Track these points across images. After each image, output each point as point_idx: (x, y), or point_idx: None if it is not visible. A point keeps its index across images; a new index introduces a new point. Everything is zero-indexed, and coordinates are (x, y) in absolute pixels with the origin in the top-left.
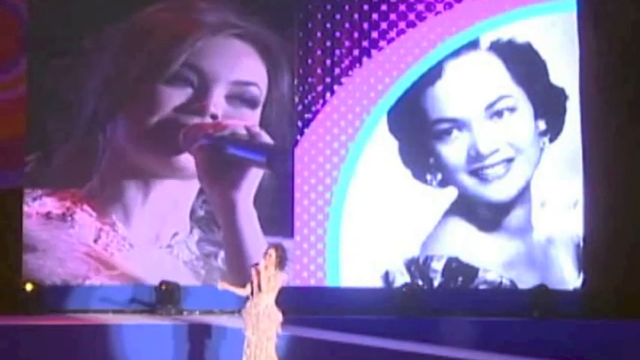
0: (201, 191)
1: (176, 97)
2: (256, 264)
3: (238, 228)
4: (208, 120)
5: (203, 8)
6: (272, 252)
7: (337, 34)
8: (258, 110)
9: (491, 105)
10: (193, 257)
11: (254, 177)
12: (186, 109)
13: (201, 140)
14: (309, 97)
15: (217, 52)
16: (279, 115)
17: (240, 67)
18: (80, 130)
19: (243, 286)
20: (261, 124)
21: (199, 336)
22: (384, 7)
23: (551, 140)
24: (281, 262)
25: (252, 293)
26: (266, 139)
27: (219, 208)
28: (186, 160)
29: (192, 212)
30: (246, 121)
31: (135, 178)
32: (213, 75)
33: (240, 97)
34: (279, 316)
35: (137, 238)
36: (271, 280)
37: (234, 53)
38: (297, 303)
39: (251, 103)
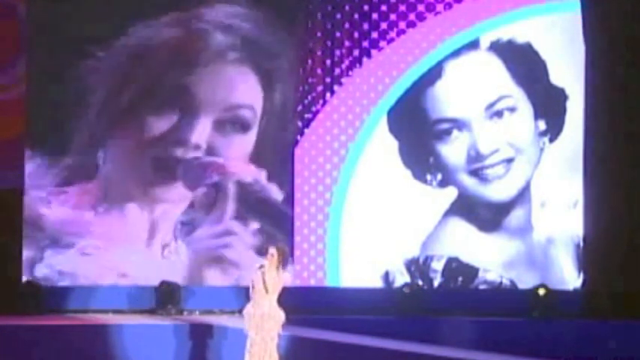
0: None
1: (161, 124)
2: (262, 265)
3: None
4: (191, 151)
5: (206, 20)
6: (274, 252)
7: (337, 34)
8: (251, 133)
9: (491, 105)
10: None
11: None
12: (169, 138)
13: (205, 180)
14: (309, 97)
15: (213, 77)
16: (274, 130)
17: (234, 90)
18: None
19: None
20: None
21: (199, 336)
22: (384, 8)
23: (551, 140)
24: (283, 262)
25: (255, 294)
26: (272, 193)
27: None
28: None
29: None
30: (234, 148)
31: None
32: (203, 101)
33: (231, 122)
34: (282, 316)
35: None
36: (274, 281)
37: (229, 76)
38: (297, 303)
39: (243, 127)
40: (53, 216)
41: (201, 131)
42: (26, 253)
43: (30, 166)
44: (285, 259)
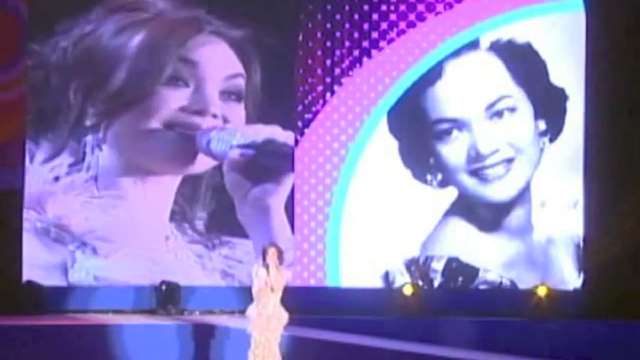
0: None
1: (175, 97)
2: (267, 265)
3: (273, 235)
4: (210, 119)
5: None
6: (274, 250)
7: (337, 34)
8: (243, 103)
9: (491, 105)
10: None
11: (288, 182)
12: (187, 110)
13: (232, 149)
14: (309, 97)
15: (204, 50)
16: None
17: (224, 61)
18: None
19: None
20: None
21: (199, 336)
22: (384, 8)
23: (552, 140)
24: (280, 260)
25: (260, 295)
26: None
27: (253, 217)
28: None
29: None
30: (236, 115)
31: (132, 176)
32: (205, 73)
33: (229, 92)
34: (286, 316)
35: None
36: (276, 280)
37: (215, 49)
38: (297, 303)
39: (238, 96)
40: (53, 216)
41: (214, 101)
42: (27, 253)
43: (30, 166)
44: (282, 256)
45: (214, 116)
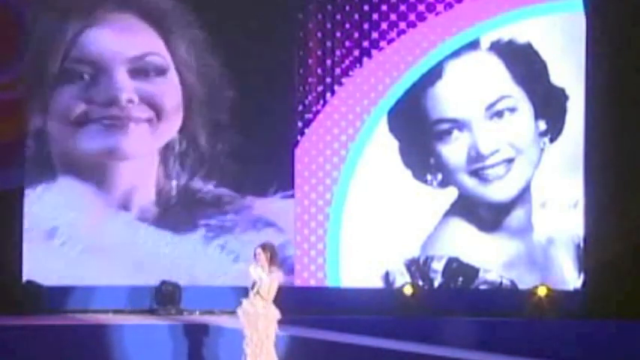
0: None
1: (79, 90)
2: (253, 265)
3: None
4: (126, 105)
5: None
6: (260, 251)
7: (338, 34)
8: (169, 75)
9: (491, 105)
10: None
11: None
12: (97, 101)
13: None
14: (310, 97)
15: (104, 33)
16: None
17: (134, 42)
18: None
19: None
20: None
21: (200, 336)
22: (384, 8)
23: (552, 140)
24: (272, 260)
25: (251, 294)
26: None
27: None
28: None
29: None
30: (159, 87)
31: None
32: (107, 60)
33: (144, 70)
34: (276, 315)
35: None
36: (266, 279)
37: (123, 29)
38: (297, 303)
39: (158, 71)
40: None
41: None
42: (26, 253)
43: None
44: (274, 256)
45: (130, 101)
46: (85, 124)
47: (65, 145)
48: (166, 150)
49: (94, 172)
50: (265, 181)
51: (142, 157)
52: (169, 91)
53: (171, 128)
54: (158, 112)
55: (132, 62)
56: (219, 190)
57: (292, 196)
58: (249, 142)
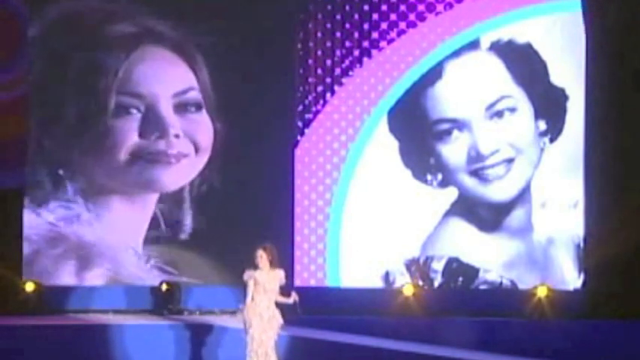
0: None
1: (130, 126)
2: (255, 265)
3: None
4: (173, 140)
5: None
6: (261, 252)
7: (338, 34)
8: (204, 111)
9: (491, 105)
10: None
11: None
12: (147, 136)
13: None
14: (310, 98)
15: (147, 69)
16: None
17: (172, 77)
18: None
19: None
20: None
21: (200, 336)
22: (384, 8)
23: (552, 140)
24: (272, 261)
25: (252, 295)
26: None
27: None
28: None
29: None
30: (199, 123)
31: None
32: (153, 94)
33: (185, 105)
34: (278, 316)
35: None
36: (269, 280)
37: (160, 65)
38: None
39: (196, 106)
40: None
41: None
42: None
43: (30, 166)
44: (274, 257)
45: (177, 136)
46: (132, 158)
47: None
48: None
49: (124, 201)
50: (265, 181)
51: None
52: (206, 125)
53: (203, 162)
54: (197, 147)
55: (175, 97)
56: (219, 189)
57: (292, 196)
58: (249, 142)
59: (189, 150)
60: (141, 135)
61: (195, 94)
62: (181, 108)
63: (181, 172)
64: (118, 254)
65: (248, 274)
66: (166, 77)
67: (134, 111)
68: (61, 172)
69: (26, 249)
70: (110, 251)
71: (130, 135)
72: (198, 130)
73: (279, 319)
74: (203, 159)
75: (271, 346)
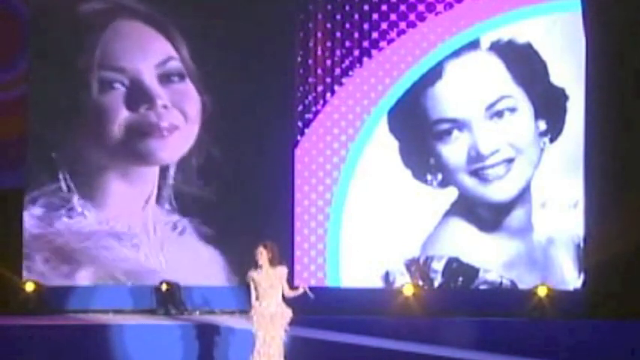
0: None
1: (117, 101)
2: (260, 265)
3: None
4: (162, 111)
5: None
6: (262, 250)
7: (337, 34)
8: (188, 81)
9: (491, 105)
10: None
11: None
12: (136, 109)
13: None
14: (310, 98)
15: (126, 42)
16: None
17: (151, 49)
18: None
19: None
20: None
21: (200, 336)
22: (384, 8)
23: (552, 140)
24: (274, 258)
25: (260, 294)
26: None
27: None
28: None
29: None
30: (185, 93)
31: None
32: (135, 66)
33: (168, 75)
34: (288, 313)
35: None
36: (271, 278)
37: (138, 37)
38: (297, 303)
39: (179, 75)
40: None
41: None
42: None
43: (30, 166)
44: (276, 254)
45: (165, 107)
46: (126, 132)
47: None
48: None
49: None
50: (265, 181)
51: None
52: (192, 95)
53: (194, 133)
54: (186, 117)
55: (158, 68)
56: (218, 189)
57: (292, 196)
58: (248, 141)
59: (179, 121)
60: (129, 108)
61: (176, 64)
62: (165, 78)
63: (175, 144)
64: (120, 245)
65: (249, 275)
66: (146, 49)
67: (118, 85)
68: (60, 172)
69: (26, 249)
70: (112, 244)
71: (119, 109)
72: (184, 99)
73: (283, 318)
74: (194, 129)
75: (277, 345)
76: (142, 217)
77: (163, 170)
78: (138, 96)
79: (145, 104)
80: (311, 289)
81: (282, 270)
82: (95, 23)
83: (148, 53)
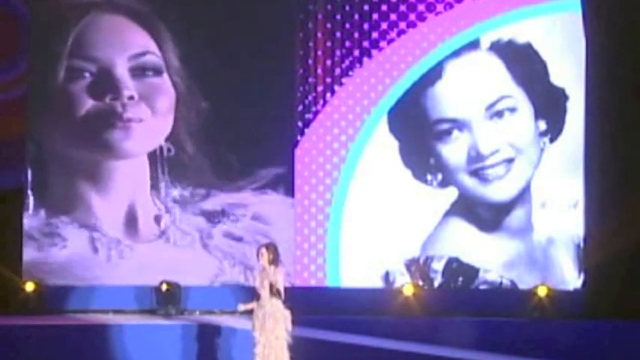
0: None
1: (82, 89)
2: (263, 267)
3: None
4: (126, 101)
5: None
6: (264, 251)
7: (338, 34)
8: (165, 75)
9: (491, 105)
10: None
11: None
12: (100, 97)
13: None
14: (310, 98)
15: (101, 33)
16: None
17: (129, 41)
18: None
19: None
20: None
21: (200, 336)
22: (384, 8)
23: (552, 140)
24: (274, 259)
25: (258, 295)
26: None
27: None
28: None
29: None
30: (158, 89)
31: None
32: (107, 57)
33: (143, 68)
34: (286, 314)
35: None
36: (271, 279)
37: (117, 30)
38: (297, 303)
39: (155, 70)
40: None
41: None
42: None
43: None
44: (276, 255)
45: (131, 98)
46: (89, 122)
47: (66, 142)
48: (159, 152)
49: (94, 170)
50: (265, 181)
51: (138, 157)
52: (165, 90)
53: (164, 127)
54: (154, 111)
55: (131, 60)
56: (218, 190)
57: (292, 196)
58: (248, 141)
59: (145, 114)
60: (94, 97)
61: (153, 58)
62: (138, 71)
63: (141, 136)
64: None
65: (253, 276)
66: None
67: (87, 74)
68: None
69: (26, 249)
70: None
71: (84, 98)
72: (155, 93)
73: (284, 318)
74: (164, 122)
75: (279, 347)
76: (137, 212)
77: (158, 166)
78: (105, 85)
79: (111, 94)
80: (311, 288)
81: (281, 272)
82: (75, 14)
83: (125, 45)
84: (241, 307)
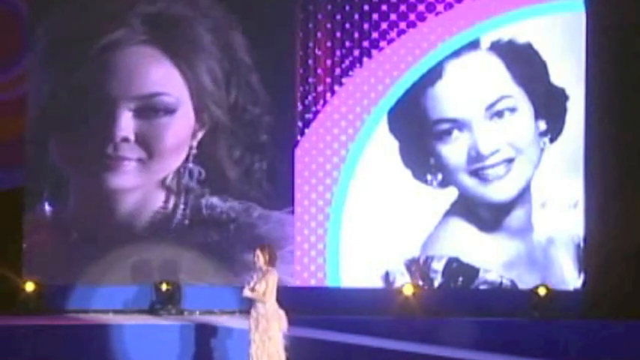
0: None
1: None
2: (259, 268)
3: None
4: (121, 144)
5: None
6: (259, 253)
7: (338, 34)
8: (179, 113)
9: (491, 105)
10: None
11: None
12: (98, 136)
13: None
14: (310, 98)
15: (120, 68)
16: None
17: (147, 78)
18: None
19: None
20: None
21: (199, 336)
22: (384, 8)
23: (552, 140)
24: (270, 260)
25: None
26: None
27: None
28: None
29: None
30: (166, 126)
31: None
32: (114, 95)
33: (153, 108)
34: (279, 315)
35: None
36: (265, 280)
37: (140, 64)
38: (297, 303)
39: (167, 110)
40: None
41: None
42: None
43: (30, 166)
44: (272, 256)
45: (125, 140)
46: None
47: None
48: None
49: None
50: (265, 181)
51: (136, 188)
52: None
53: (168, 165)
54: (151, 152)
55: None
56: (218, 190)
57: (292, 196)
58: (248, 141)
59: (139, 155)
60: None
61: (166, 99)
62: (144, 112)
63: (133, 175)
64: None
65: (250, 276)
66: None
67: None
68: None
69: (26, 249)
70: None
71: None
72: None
73: (277, 319)
74: (165, 162)
75: (271, 348)
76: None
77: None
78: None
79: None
80: (311, 288)
81: (274, 273)
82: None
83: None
84: (247, 292)
